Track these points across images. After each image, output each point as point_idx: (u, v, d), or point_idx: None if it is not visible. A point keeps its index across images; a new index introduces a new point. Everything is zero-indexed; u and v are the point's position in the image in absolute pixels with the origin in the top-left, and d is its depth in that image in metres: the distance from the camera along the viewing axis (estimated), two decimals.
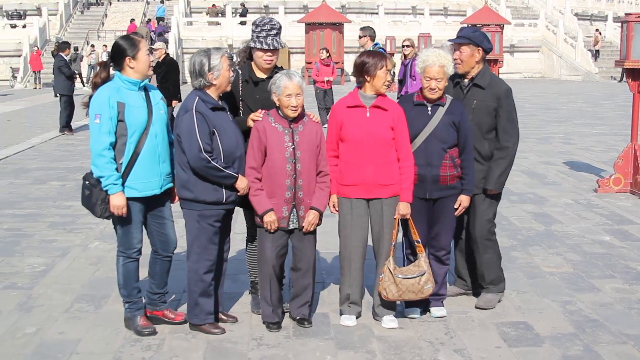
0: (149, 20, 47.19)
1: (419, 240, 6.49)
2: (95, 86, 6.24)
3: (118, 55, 6.21)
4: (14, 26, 45.26)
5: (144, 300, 6.56)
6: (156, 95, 6.37)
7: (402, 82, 14.90)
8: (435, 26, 46.30)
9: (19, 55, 41.69)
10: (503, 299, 7.16)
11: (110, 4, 51.00)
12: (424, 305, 6.77)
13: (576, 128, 21.34)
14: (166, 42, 43.06)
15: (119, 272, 6.37)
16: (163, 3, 50.62)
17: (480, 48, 6.80)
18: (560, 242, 9.25)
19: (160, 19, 48.27)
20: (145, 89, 6.30)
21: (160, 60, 17.26)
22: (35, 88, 39.09)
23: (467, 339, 6.28)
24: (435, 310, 6.74)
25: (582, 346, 6.14)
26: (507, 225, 10.07)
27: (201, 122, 6.05)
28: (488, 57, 20.31)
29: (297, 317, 6.55)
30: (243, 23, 45.58)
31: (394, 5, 50.01)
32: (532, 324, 6.58)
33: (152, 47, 18.40)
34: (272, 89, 6.24)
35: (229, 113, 6.32)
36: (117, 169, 6.06)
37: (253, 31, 6.50)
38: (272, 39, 6.44)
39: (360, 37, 14.01)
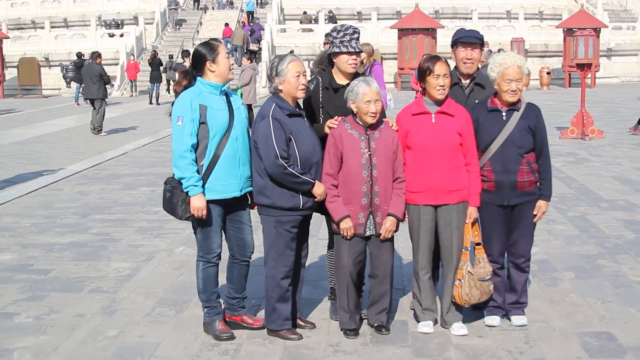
0: (244, 23, 47.69)
1: (480, 242, 6.45)
2: (177, 94, 6.36)
3: (198, 61, 6.32)
4: (112, 35, 46.31)
5: (222, 305, 6.61)
6: (237, 100, 6.46)
7: None
8: (529, 30, 45.65)
9: (117, 64, 42.59)
10: (587, 308, 7.00)
11: (205, 13, 51.72)
12: (503, 313, 6.67)
13: None
14: (260, 41, 43.58)
15: (198, 277, 6.45)
16: (256, 6, 51.27)
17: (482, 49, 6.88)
18: None
19: (250, 13, 48.66)
20: (226, 94, 6.38)
21: None
22: (132, 96, 39.90)
23: (547, 348, 6.14)
24: (516, 319, 6.61)
25: None
26: (595, 232, 9.83)
27: (278, 128, 6.08)
28: (581, 61, 19.85)
29: (375, 324, 6.51)
30: None
31: (488, 10, 49.39)
32: (615, 334, 6.39)
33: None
34: (348, 96, 6.24)
35: (305, 119, 6.34)
36: (197, 171, 6.14)
37: (335, 37, 6.51)
38: (356, 43, 6.48)
39: (324, 43, 13.53)
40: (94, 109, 22.44)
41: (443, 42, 39.78)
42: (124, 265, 8.76)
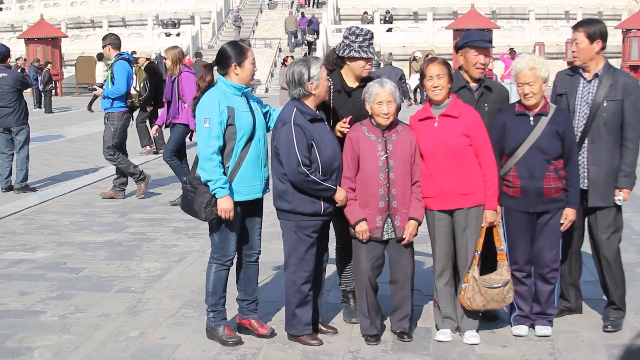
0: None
1: (502, 248, 6.26)
2: (200, 89, 6.28)
3: (224, 61, 6.24)
4: (168, 35, 46.68)
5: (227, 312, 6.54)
6: (254, 101, 6.37)
7: (169, 104, 12.11)
8: None
9: None
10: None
11: (262, 12, 51.89)
12: (531, 323, 6.50)
13: None
14: (317, 32, 43.94)
15: (209, 279, 6.39)
16: (312, 6, 51.56)
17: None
18: None
19: None
20: (245, 95, 6.31)
21: (143, 67, 16.98)
22: None
23: None
24: (539, 329, 6.44)
25: None
26: (637, 239, 9.58)
27: (299, 134, 6.00)
28: (635, 63, 19.56)
29: (397, 331, 6.40)
30: (390, 30, 45.67)
31: (546, 10, 48.76)
32: None
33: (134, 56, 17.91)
34: (365, 98, 6.15)
35: (326, 123, 6.25)
36: (224, 173, 6.09)
37: (353, 42, 6.42)
38: (373, 48, 6.43)
39: (103, 46, 12.70)
40: None
41: (499, 42, 39.37)
42: (155, 265, 8.77)
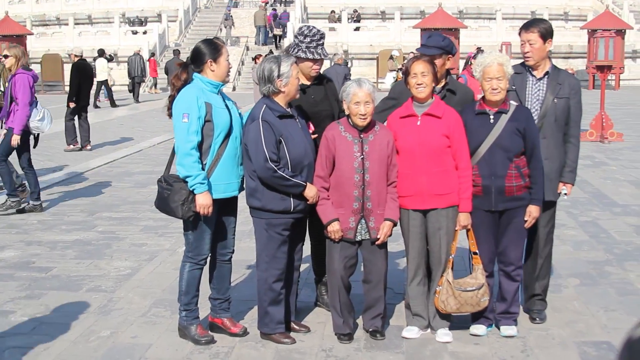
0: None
1: (477, 251, 6.27)
2: (175, 87, 6.24)
3: (199, 58, 6.22)
4: (135, 33, 46.44)
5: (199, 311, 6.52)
6: (229, 99, 6.36)
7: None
8: (554, 31, 45.19)
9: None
10: (589, 316, 6.86)
11: (229, 11, 51.76)
12: (490, 323, 6.53)
13: None
14: (284, 26, 44.22)
15: (182, 278, 6.35)
16: (280, 4, 51.62)
17: (450, 55, 6.59)
18: None
19: None
20: (220, 93, 6.30)
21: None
22: (152, 93, 40.02)
23: (543, 357, 6.00)
24: (504, 329, 6.45)
25: None
26: (605, 238, 9.66)
27: (267, 130, 5.98)
28: (601, 63, 19.59)
29: (370, 329, 6.41)
30: (357, 29, 45.77)
31: (513, 10, 49.11)
32: (616, 344, 6.21)
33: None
34: (342, 97, 6.16)
35: (297, 120, 6.24)
36: (201, 169, 6.06)
37: (301, 42, 6.53)
38: (322, 49, 6.53)
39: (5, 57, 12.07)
40: None
41: (466, 42, 39.61)
42: (126, 264, 8.72)
